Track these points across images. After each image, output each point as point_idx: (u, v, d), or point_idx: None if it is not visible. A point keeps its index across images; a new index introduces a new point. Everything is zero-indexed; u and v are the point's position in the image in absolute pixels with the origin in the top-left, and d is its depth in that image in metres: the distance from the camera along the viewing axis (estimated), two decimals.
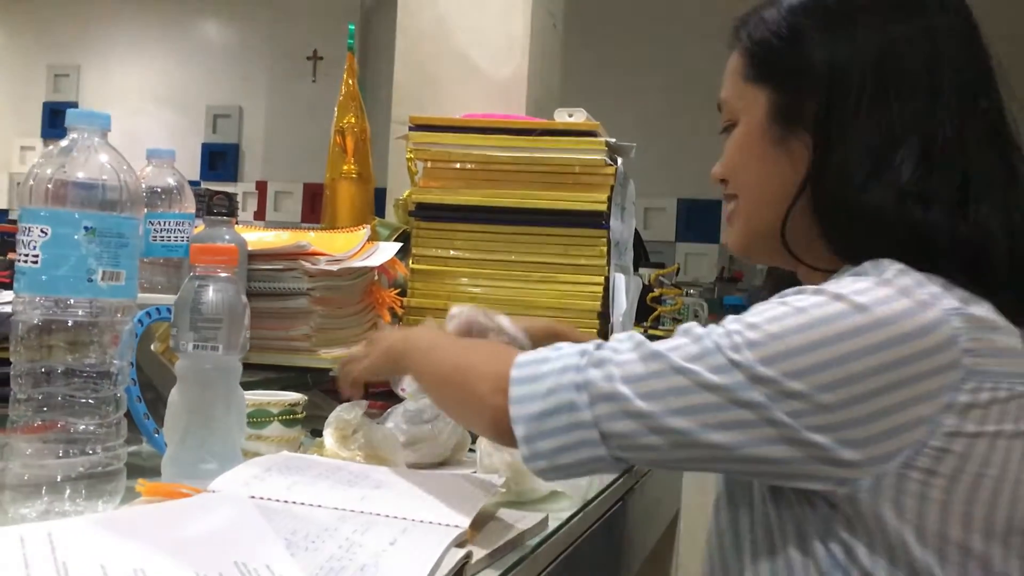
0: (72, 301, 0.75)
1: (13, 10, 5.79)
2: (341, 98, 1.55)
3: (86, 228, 0.74)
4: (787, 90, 0.84)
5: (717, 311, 3.30)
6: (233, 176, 5.43)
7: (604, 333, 1.46)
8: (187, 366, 0.85)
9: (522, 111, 1.85)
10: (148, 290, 1.13)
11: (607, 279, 1.45)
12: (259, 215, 5.28)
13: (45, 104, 5.72)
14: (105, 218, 0.75)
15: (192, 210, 1.21)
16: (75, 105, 5.64)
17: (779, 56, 0.85)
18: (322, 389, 1.41)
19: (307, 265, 1.21)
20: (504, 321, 1.03)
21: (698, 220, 4.46)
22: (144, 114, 5.51)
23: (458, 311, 1.04)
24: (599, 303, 1.44)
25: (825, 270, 0.82)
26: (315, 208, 5.09)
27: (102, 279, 0.75)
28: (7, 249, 3.60)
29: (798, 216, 0.83)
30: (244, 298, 0.87)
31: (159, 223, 1.16)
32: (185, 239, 1.17)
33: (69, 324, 0.75)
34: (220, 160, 5.45)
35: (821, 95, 0.81)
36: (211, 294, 0.84)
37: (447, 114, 1.69)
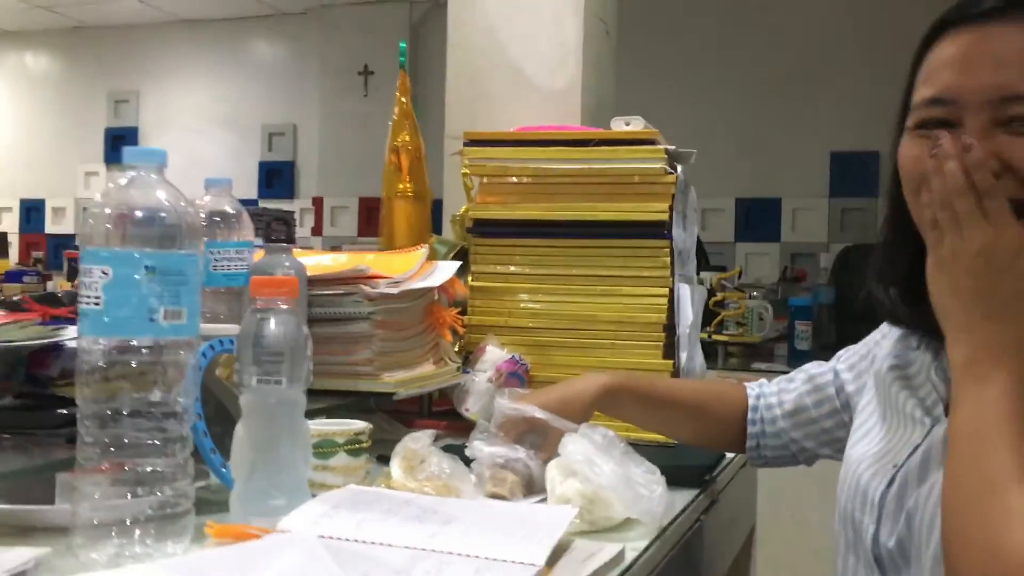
0: (135, 341, 0.74)
1: (73, 40, 5.95)
2: (395, 117, 1.54)
3: (147, 267, 0.73)
4: None
5: (782, 312, 3.22)
6: (290, 193, 5.49)
7: (670, 345, 1.42)
8: (251, 401, 0.84)
9: (577, 121, 1.83)
10: (210, 320, 1.12)
11: (671, 290, 1.42)
12: (316, 231, 5.32)
13: (107, 130, 5.84)
14: (165, 256, 0.74)
15: (251, 237, 1.20)
16: (135, 130, 5.77)
17: None
18: (385, 411, 1.40)
19: (367, 289, 1.20)
20: (546, 414, 0.99)
21: (757, 220, 4.37)
22: (201, 136, 5.61)
23: (500, 408, 1.01)
24: (664, 315, 1.41)
25: None
26: (371, 222, 5.12)
27: (164, 318, 0.74)
28: (75, 276, 3.67)
29: None
30: (306, 329, 0.86)
31: (219, 252, 1.16)
32: (245, 267, 1.17)
33: (133, 364, 0.75)
34: (276, 178, 5.51)
35: None
36: (272, 327, 0.83)
37: (501, 127, 1.67)
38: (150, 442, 0.75)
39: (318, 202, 5.37)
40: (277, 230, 1.16)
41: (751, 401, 1.13)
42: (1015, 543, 0.64)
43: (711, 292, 2.99)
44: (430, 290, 1.33)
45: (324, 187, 5.35)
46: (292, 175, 5.52)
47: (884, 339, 1.01)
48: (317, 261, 1.33)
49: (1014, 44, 0.77)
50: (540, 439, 1.02)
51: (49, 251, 5.59)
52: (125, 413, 0.75)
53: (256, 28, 5.60)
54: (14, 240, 5.89)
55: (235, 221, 1.17)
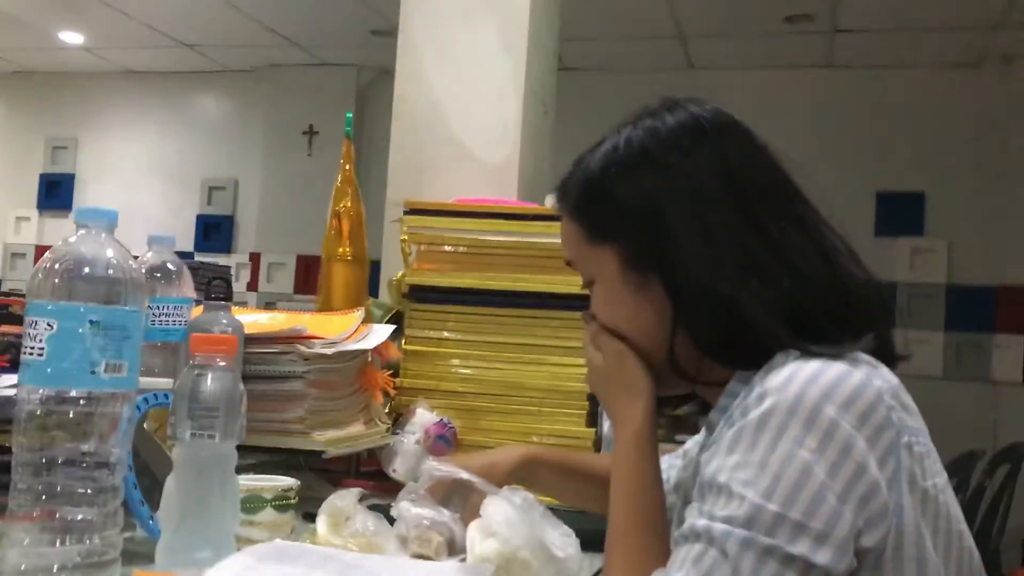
0: (74, 392, 0.77)
1: (13, 84, 5.90)
2: (338, 184, 1.59)
3: (91, 322, 0.76)
4: (626, 241, 0.90)
5: None
6: (227, 248, 5.47)
7: (594, 414, 1.48)
8: (184, 454, 0.86)
9: (513, 195, 1.90)
10: (144, 373, 1.14)
11: None
12: (252, 286, 5.30)
13: (42, 176, 5.78)
14: (110, 312, 0.77)
15: (191, 294, 1.23)
16: (72, 177, 5.71)
17: (604, 215, 0.91)
18: (313, 469, 1.42)
19: (303, 349, 1.23)
20: (473, 476, 1.04)
21: None
22: (140, 186, 5.58)
23: (429, 470, 1.06)
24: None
25: (719, 383, 0.88)
26: (308, 280, 5.13)
27: (105, 371, 0.77)
28: (2, 322, 3.60)
29: (682, 345, 0.87)
30: (241, 386, 0.89)
31: (158, 307, 1.18)
32: (183, 323, 1.20)
33: (70, 415, 0.77)
34: (214, 231, 5.50)
35: (651, 235, 0.87)
36: (209, 383, 0.86)
37: (441, 196, 1.74)
38: (82, 491, 0.78)
39: (255, 258, 5.36)
40: (217, 288, 1.20)
41: None
42: None
43: None
44: (364, 352, 1.36)
45: (262, 243, 5.35)
46: (231, 229, 5.51)
47: None
48: (254, 319, 1.36)
49: (564, 228, 0.97)
50: (463, 502, 1.06)
51: None
52: (60, 462, 0.77)
53: (202, 83, 5.63)
54: None
55: (175, 278, 1.21)
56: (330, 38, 4.89)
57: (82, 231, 0.80)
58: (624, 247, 0.90)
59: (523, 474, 1.14)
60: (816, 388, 0.75)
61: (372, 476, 1.48)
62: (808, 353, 0.79)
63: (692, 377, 0.89)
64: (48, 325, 0.76)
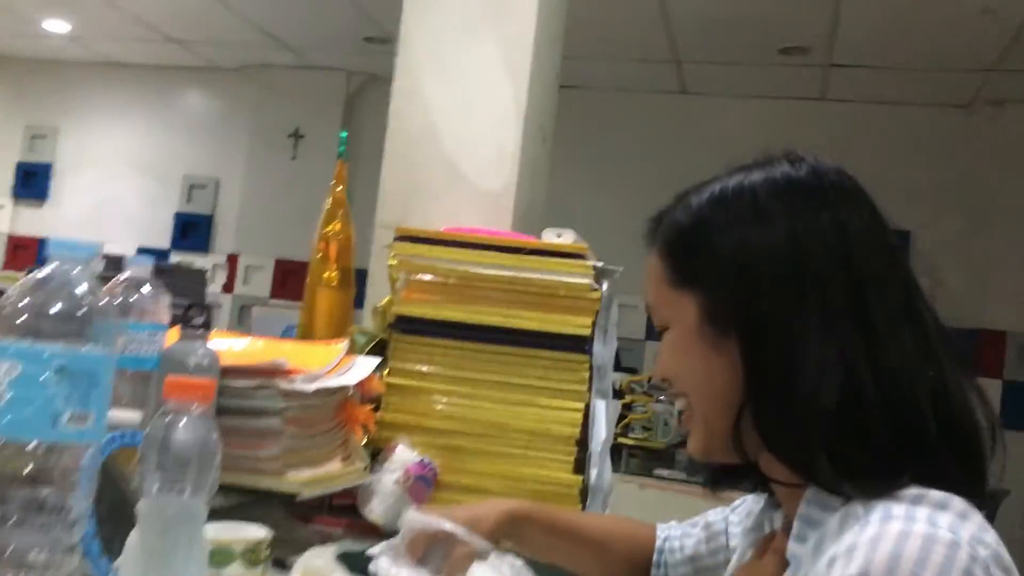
0: (33, 443, 0.70)
1: None
2: (328, 206, 1.53)
3: (57, 368, 0.70)
4: (712, 293, 0.81)
5: None
6: (204, 247, 5.36)
7: (581, 461, 1.42)
8: (150, 508, 0.79)
9: (508, 221, 1.84)
10: (113, 403, 1.07)
11: (587, 405, 1.42)
12: (227, 288, 5.21)
13: (19, 164, 5.65)
14: (78, 357, 0.71)
15: (165, 320, 1.16)
16: (49, 167, 5.59)
17: (697, 261, 0.83)
18: (284, 503, 1.35)
19: (282, 385, 1.16)
20: (458, 528, 0.98)
21: None
22: (119, 179, 5.47)
23: (410, 521, 0.99)
24: (578, 430, 1.41)
25: (784, 481, 0.79)
26: (286, 284, 5.04)
27: (68, 421, 0.70)
28: None
29: (748, 420, 0.78)
30: (216, 435, 0.82)
31: (131, 334, 1.11)
32: (156, 351, 1.13)
33: (29, 466, 0.70)
34: (192, 230, 5.39)
35: (740, 293, 0.79)
36: (182, 433, 0.80)
37: (433, 220, 1.68)
38: (38, 550, 0.71)
39: (233, 259, 5.27)
40: (194, 316, 1.13)
41: (658, 543, 1.12)
42: None
43: (619, 393, 3.02)
44: (346, 388, 1.30)
45: (241, 244, 5.26)
46: (209, 229, 5.41)
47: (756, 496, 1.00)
48: (230, 346, 1.29)
49: (650, 265, 0.88)
50: (445, 555, 1.00)
51: None
52: (13, 519, 0.70)
53: (188, 78, 5.54)
54: None
55: (151, 303, 1.14)
56: (322, 41, 4.82)
57: (55, 265, 0.73)
58: (709, 298, 0.81)
59: (508, 530, 1.07)
60: (929, 571, 0.63)
61: (345, 511, 1.41)
62: (894, 499, 0.68)
63: (752, 457, 0.80)
64: (10, 368, 0.69)
